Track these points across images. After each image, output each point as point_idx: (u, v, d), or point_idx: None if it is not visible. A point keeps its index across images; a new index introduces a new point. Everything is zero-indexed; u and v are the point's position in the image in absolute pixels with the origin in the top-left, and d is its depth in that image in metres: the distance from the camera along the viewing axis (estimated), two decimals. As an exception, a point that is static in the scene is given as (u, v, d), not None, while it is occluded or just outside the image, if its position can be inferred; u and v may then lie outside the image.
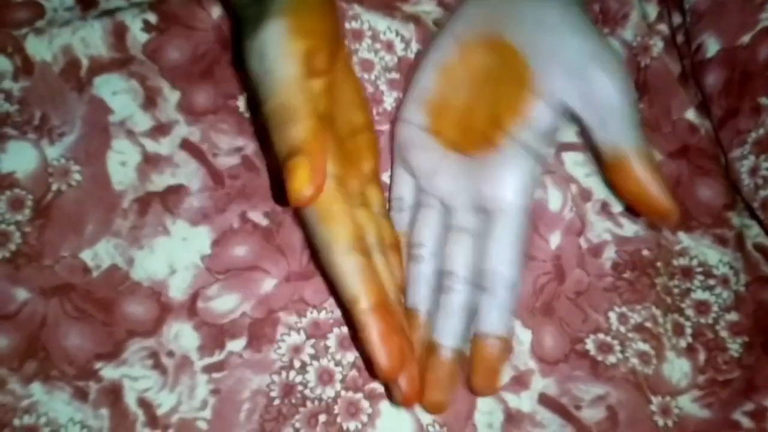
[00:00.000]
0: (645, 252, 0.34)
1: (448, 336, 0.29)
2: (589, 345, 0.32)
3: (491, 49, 0.30)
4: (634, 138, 0.27)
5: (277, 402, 0.30)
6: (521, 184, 0.29)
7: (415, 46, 0.36)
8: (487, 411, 0.31)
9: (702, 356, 0.33)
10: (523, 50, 0.28)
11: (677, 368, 0.32)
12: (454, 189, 0.30)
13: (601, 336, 0.33)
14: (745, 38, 0.34)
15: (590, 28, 0.28)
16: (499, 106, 0.29)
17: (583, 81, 0.27)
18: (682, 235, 0.34)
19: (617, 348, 0.32)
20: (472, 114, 0.30)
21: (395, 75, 0.36)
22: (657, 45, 0.37)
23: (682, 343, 0.33)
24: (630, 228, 0.34)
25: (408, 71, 0.35)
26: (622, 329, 0.33)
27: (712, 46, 0.35)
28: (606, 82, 0.27)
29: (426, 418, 0.31)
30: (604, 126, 0.27)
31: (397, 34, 0.36)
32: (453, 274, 0.30)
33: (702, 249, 0.34)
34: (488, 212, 0.29)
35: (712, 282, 0.34)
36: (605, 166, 0.28)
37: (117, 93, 0.34)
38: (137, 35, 0.35)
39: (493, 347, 0.29)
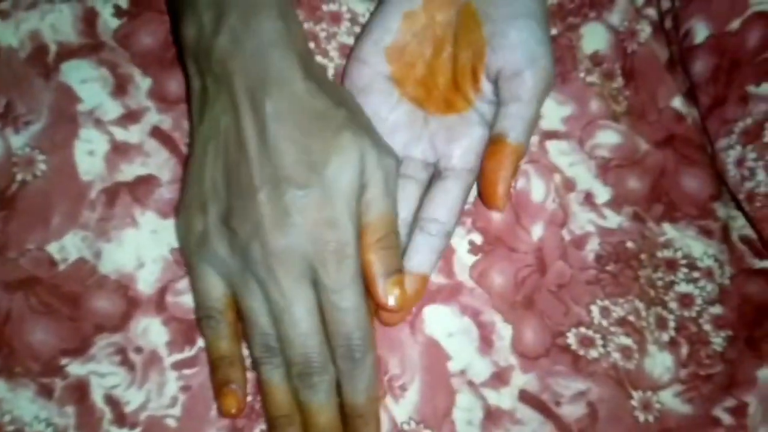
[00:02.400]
0: (629, 244, 0.33)
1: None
2: (571, 339, 0.32)
3: (453, 4, 0.31)
4: (522, 134, 0.30)
5: (249, 399, 0.30)
6: (477, 148, 0.31)
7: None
8: (466, 408, 0.31)
9: (684, 350, 0.32)
10: (482, 15, 0.30)
11: (659, 362, 0.32)
12: (408, 140, 0.32)
13: (582, 330, 0.32)
14: (735, 24, 0.33)
15: (545, 16, 0.31)
16: (459, 73, 0.31)
17: (513, 71, 0.29)
18: (666, 227, 0.34)
19: (599, 342, 0.32)
20: (434, 73, 0.32)
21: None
22: (644, 30, 0.36)
23: (665, 337, 0.32)
24: (614, 219, 0.33)
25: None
26: (605, 323, 0.32)
27: (700, 32, 0.34)
28: (529, 81, 0.29)
29: (401, 415, 0.30)
30: (509, 110, 0.30)
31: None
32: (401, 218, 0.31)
33: (687, 241, 0.33)
34: (439, 168, 0.31)
35: (696, 274, 0.33)
36: (490, 136, 0.31)
37: (86, 81, 0.33)
38: (108, 20, 0.33)
39: (414, 283, 0.30)
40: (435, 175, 0.31)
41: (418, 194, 0.31)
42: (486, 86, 0.31)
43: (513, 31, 0.29)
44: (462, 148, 0.31)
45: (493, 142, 0.30)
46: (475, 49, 0.30)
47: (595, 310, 0.32)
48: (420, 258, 0.30)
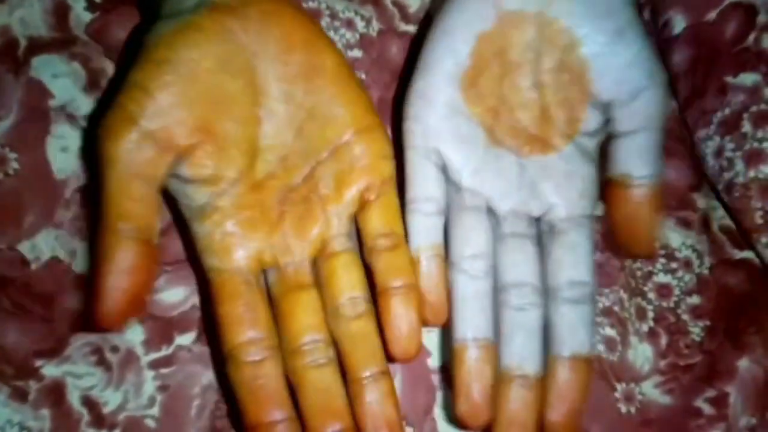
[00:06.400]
0: None
1: (531, 361, 0.25)
2: (554, 331, 0.32)
3: (534, 24, 0.25)
4: (651, 169, 0.25)
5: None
6: (588, 190, 0.26)
7: (376, 25, 0.35)
8: (447, 405, 0.30)
9: (664, 341, 0.32)
10: (576, 32, 0.25)
11: (640, 353, 0.32)
12: (505, 190, 0.26)
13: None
14: (712, 15, 0.33)
15: (645, 32, 0.25)
16: (552, 105, 0.26)
17: (631, 94, 0.25)
18: (645, 218, 0.34)
19: (583, 333, 0.32)
20: (517, 105, 0.26)
21: (357, 53, 0.34)
22: (623, 22, 0.36)
23: (644, 328, 0.32)
24: (600, 206, 0.33)
25: (369, 49, 0.34)
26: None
27: (678, 23, 0.34)
28: (651, 103, 0.25)
29: (384, 410, 0.30)
30: (628, 145, 0.25)
31: (357, 13, 0.34)
32: (524, 286, 0.26)
33: (665, 231, 0.34)
34: (547, 222, 0.26)
35: (674, 265, 0.33)
36: (608, 177, 0.26)
37: (57, 76, 0.32)
38: (80, 14, 0.33)
39: (582, 371, 0.25)
40: (545, 232, 0.26)
41: (537, 255, 0.26)
42: (592, 116, 0.26)
43: (622, 48, 0.24)
44: (576, 192, 0.26)
45: (621, 185, 0.25)
46: (571, 74, 0.25)
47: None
48: (578, 338, 0.25)
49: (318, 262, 0.26)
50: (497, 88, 0.26)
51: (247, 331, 0.24)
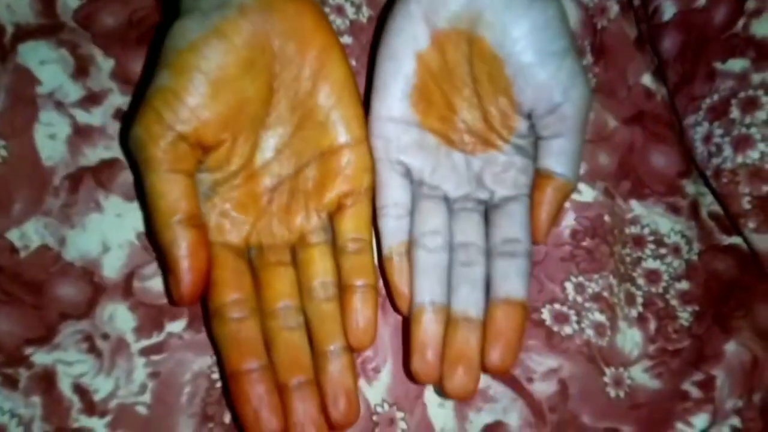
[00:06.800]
0: (606, 218, 0.33)
1: (474, 307, 0.28)
2: (545, 315, 0.32)
3: (465, 41, 0.28)
4: (565, 169, 0.29)
5: (219, 384, 0.29)
6: (523, 178, 0.29)
7: (366, 11, 0.34)
8: (437, 390, 0.31)
9: (652, 326, 0.33)
10: (499, 52, 0.28)
11: (629, 338, 0.32)
12: (457, 183, 0.30)
13: (557, 306, 0.32)
14: (702, 1, 0.33)
15: (574, 46, 0.28)
16: (488, 113, 0.29)
17: (547, 109, 0.28)
18: (634, 203, 0.34)
19: (573, 318, 0.32)
20: (457, 112, 0.30)
21: (348, 39, 0.34)
22: (613, 8, 0.36)
23: (633, 313, 0.33)
24: (589, 193, 0.33)
25: (359, 35, 0.34)
26: (579, 299, 0.32)
27: (668, 9, 0.34)
28: (566, 117, 0.28)
29: (375, 397, 0.30)
30: (548, 146, 0.29)
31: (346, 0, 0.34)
32: (470, 245, 0.29)
33: (654, 217, 0.34)
34: (494, 203, 0.30)
35: (663, 251, 0.33)
36: (536, 167, 0.29)
37: (45, 62, 0.31)
38: (68, 1, 0.32)
39: (515, 313, 0.27)
40: (489, 209, 0.30)
41: (482, 224, 0.30)
42: (520, 123, 0.29)
43: (541, 72, 0.27)
44: (512, 180, 0.29)
45: (540, 176, 0.29)
46: (499, 88, 0.28)
47: (569, 286, 0.32)
48: (512, 283, 0.28)
49: (297, 249, 0.29)
50: (442, 98, 0.30)
51: (233, 292, 0.27)
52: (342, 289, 0.28)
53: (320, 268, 0.29)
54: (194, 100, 0.26)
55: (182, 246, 0.26)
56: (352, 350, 0.28)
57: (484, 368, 0.27)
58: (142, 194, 0.28)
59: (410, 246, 0.29)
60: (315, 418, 0.27)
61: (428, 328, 0.28)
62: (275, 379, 0.27)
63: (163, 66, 0.26)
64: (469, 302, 0.28)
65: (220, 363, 0.28)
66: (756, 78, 0.31)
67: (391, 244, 0.29)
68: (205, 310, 0.29)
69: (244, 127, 0.28)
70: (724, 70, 0.32)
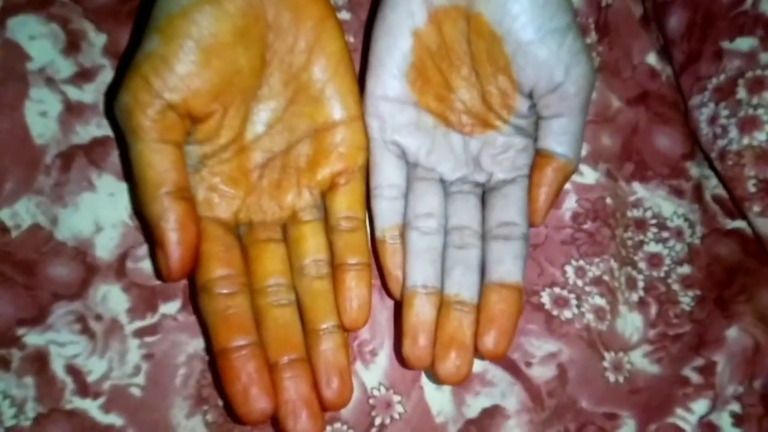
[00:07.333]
0: (608, 200, 0.33)
1: (468, 290, 0.27)
2: (545, 298, 0.32)
3: (463, 18, 0.27)
4: (566, 149, 0.28)
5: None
6: (522, 159, 0.29)
7: (364, -14, 0.33)
8: (430, 374, 0.30)
9: (653, 310, 0.32)
10: (498, 29, 0.27)
11: (629, 323, 0.32)
12: (454, 164, 0.29)
13: (557, 290, 0.32)
14: (710, -23, 0.32)
15: (576, 24, 0.27)
16: (487, 92, 0.29)
17: (548, 88, 0.27)
18: (636, 186, 0.33)
19: (573, 302, 0.32)
20: (455, 92, 0.29)
21: (346, 15, 0.33)
22: (619, -15, 0.35)
23: (634, 297, 0.32)
24: (591, 175, 0.33)
25: (358, 10, 0.33)
26: (579, 283, 0.32)
27: (675, -14, 0.33)
28: (568, 95, 0.27)
29: (371, 380, 0.30)
30: (549, 126, 0.28)
31: (345, -27, 0.33)
32: (465, 228, 0.28)
33: (656, 200, 0.33)
34: (488, 185, 0.29)
35: (665, 234, 0.33)
36: (536, 147, 0.29)
37: (35, 37, 0.31)
38: (58, -27, 0.32)
39: (510, 296, 0.27)
40: (486, 192, 0.29)
41: (479, 207, 0.29)
42: (520, 103, 0.28)
43: (541, 50, 0.26)
44: (510, 161, 0.29)
45: (540, 156, 0.28)
46: (498, 66, 0.28)
47: (569, 270, 0.32)
48: (507, 267, 0.27)
49: (288, 226, 0.29)
50: (440, 77, 0.29)
51: (222, 267, 0.26)
52: (335, 268, 0.28)
53: (312, 246, 0.28)
54: (184, 67, 0.25)
55: (171, 219, 0.25)
56: (345, 330, 0.27)
57: (478, 353, 0.27)
58: (128, 165, 0.27)
59: (404, 228, 0.28)
60: (306, 396, 0.26)
61: (420, 311, 0.27)
62: (265, 358, 0.26)
63: (153, 30, 0.25)
64: (462, 285, 0.27)
65: (208, 341, 0.28)
66: (764, 57, 0.30)
67: (384, 225, 0.29)
68: (193, 288, 0.29)
69: (235, 98, 0.27)
70: (732, 49, 0.31)
